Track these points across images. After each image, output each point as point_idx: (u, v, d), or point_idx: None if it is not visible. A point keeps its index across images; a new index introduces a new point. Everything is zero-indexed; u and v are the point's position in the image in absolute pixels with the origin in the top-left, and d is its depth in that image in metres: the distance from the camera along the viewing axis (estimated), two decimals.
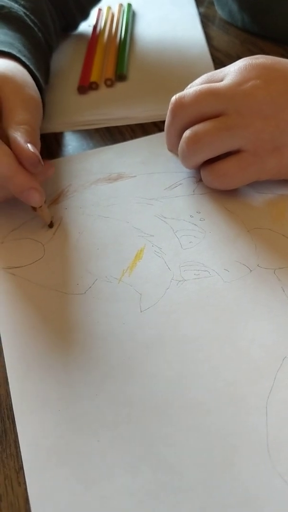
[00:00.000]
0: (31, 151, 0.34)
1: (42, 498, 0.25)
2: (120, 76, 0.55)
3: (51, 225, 0.38)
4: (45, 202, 0.37)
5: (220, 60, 0.58)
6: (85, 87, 0.54)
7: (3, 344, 0.31)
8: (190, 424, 0.27)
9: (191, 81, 0.41)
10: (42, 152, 0.37)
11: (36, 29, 0.47)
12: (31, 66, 0.42)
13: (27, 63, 0.42)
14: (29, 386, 0.29)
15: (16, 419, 0.28)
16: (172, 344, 0.30)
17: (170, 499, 0.24)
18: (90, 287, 0.34)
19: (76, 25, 0.63)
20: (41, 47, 0.48)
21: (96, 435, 0.27)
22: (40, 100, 0.40)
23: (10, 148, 0.35)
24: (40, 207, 0.37)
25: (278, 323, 0.31)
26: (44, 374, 0.29)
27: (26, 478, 0.25)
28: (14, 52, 0.41)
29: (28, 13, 0.48)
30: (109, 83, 0.55)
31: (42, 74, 0.46)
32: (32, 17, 0.48)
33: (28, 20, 0.47)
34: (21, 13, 0.46)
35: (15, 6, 0.47)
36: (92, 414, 0.27)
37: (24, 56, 0.42)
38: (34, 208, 0.37)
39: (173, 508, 0.24)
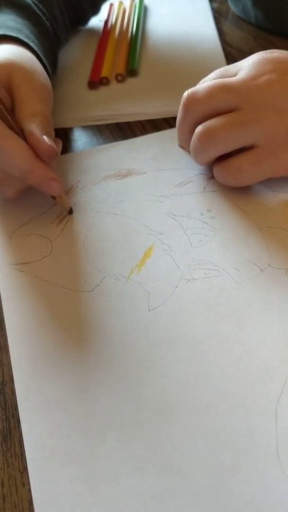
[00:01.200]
0: (47, 144, 0.34)
1: (46, 499, 0.24)
2: (131, 71, 0.55)
3: (70, 212, 0.39)
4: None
5: (232, 56, 0.57)
6: (96, 82, 0.53)
7: (9, 342, 0.31)
8: (197, 426, 0.26)
9: (203, 77, 0.40)
10: None
11: (44, 18, 0.47)
12: (39, 53, 0.42)
13: (36, 49, 0.41)
14: (35, 385, 0.28)
15: (21, 418, 0.27)
16: (180, 344, 0.30)
17: (176, 502, 0.24)
18: (98, 284, 0.33)
19: (86, 20, 0.62)
20: (49, 36, 0.47)
21: (102, 436, 0.26)
22: (51, 87, 0.40)
23: (26, 141, 0.34)
24: (60, 196, 0.37)
25: None
26: (50, 372, 0.29)
27: (30, 478, 0.25)
28: (22, 37, 0.41)
29: (36, 2, 0.47)
30: (120, 79, 0.54)
31: (50, 62, 0.46)
32: (40, 6, 0.47)
33: (36, 8, 0.46)
34: (29, 1, 0.46)
35: None
36: (98, 415, 0.27)
37: (33, 42, 0.42)
38: (53, 197, 0.37)
39: (179, 511, 0.23)
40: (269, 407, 0.26)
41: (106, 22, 0.64)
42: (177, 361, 0.29)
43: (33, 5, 0.46)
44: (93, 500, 0.24)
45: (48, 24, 0.47)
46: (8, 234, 0.37)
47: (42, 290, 0.33)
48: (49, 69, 0.43)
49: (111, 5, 0.67)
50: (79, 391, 0.28)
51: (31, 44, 0.41)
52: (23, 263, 0.35)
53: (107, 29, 0.63)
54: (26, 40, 0.41)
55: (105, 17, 0.65)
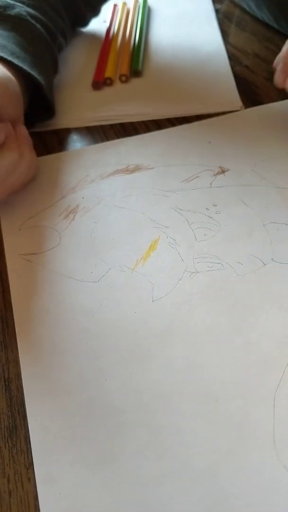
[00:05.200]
0: None
1: (48, 479, 0.25)
2: (135, 72, 0.55)
3: None
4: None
5: (236, 57, 0.57)
6: (100, 83, 0.54)
7: (16, 330, 0.32)
8: (197, 413, 0.27)
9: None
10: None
11: (38, 24, 0.47)
12: (23, 66, 0.42)
13: (18, 64, 0.42)
14: (40, 370, 0.29)
15: (26, 402, 0.28)
16: (182, 334, 0.30)
17: (174, 486, 0.24)
18: (103, 275, 0.34)
19: (85, 21, 0.62)
20: (43, 40, 0.48)
21: (103, 420, 0.27)
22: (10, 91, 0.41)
23: None
24: None
25: None
26: (55, 358, 0.30)
27: (34, 458, 0.26)
28: (5, 55, 0.41)
29: (28, 8, 0.48)
30: (124, 79, 0.55)
31: (44, 67, 0.46)
32: (32, 12, 0.48)
33: (27, 15, 0.46)
34: (19, 9, 0.46)
35: (12, 2, 0.47)
36: (100, 400, 0.28)
37: (17, 57, 0.42)
38: None
39: (176, 495, 0.24)
40: (267, 396, 0.27)
41: (110, 23, 0.64)
42: (179, 350, 0.30)
43: (23, 13, 0.46)
44: (93, 482, 0.25)
45: (41, 29, 0.48)
46: (18, 225, 0.38)
47: (49, 280, 0.34)
48: (38, 76, 0.44)
49: (115, 6, 0.67)
50: (82, 376, 0.29)
51: (15, 61, 0.42)
52: (31, 254, 0.36)
53: (111, 30, 0.63)
54: (9, 57, 0.41)
55: (109, 18, 0.65)
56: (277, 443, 0.25)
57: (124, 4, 0.68)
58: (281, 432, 0.26)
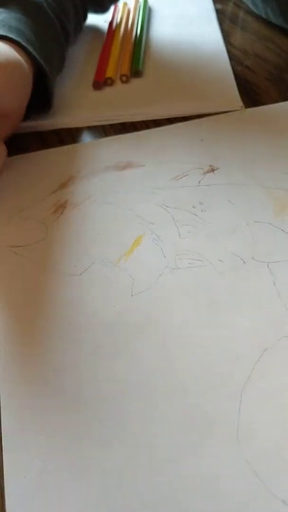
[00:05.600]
0: None
1: (16, 463, 0.26)
2: (136, 72, 0.56)
3: None
4: None
5: (236, 56, 0.57)
6: (100, 82, 0.54)
7: None
8: (166, 406, 0.27)
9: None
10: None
11: (53, 15, 0.48)
12: (35, 54, 0.43)
13: (32, 51, 0.43)
14: (18, 360, 0.30)
15: (1, 402, 0.29)
16: (158, 329, 0.31)
17: (137, 475, 0.25)
18: (86, 269, 0.35)
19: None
20: (55, 34, 0.48)
21: (75, 409, 0.28)
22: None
23: None
24: None
25: (264, 316, 0.31)
26: (33, 350, 0.31)
27: (3, 443, 0.27)
28: (21, 41, 0.42)
29: None
30: (125, 79, 0.55)
31: (51, 60, 0.47)
32: (51, 2, 0.48)
33: (45, 5, 0.47)
34: None
35: None
36: (72, 390, 0.28)
37: (32, 45, 0.43)
38: None
39: (139, 483, 0.25)
40: (235, 392, 0.27)
41: (111, 23, 0.65)
42: (154, 344, 0.30)
43: (43, 2, 0.47)
44: (59, 468, 0.26)
45: (56, 22, 0.49)
46: (8, 218, 0.39)
47: (33, 273, 0.35)
48: (47, 67, 0.45)
49: (116, 6, 0.68)
50: (56, 366, 0.30)
51: (29, 48, 0.42)
52: (18, 246, 0.37)
53: (112, 30, 0.63)
54: (25, 44, 0.42)
55: (110, 18, 0.66)
56: (240, 438, 0.26)
57: (125, 4, 0.69)
58: (245, 427, 0.26)
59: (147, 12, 0.67)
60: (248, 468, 0.25)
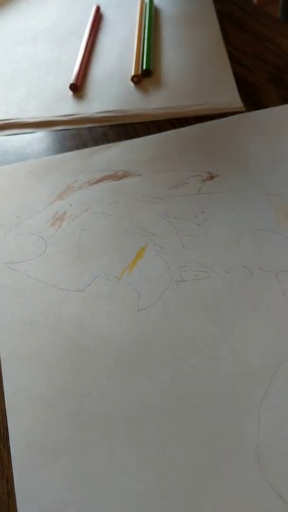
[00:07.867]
0: None
1: (28, 495, 0.25)
2: (146, 72, 0.55)
3: None
4: None
5: (236, 57, 0.57)
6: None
7: None
8: (181, 426, 0.26)
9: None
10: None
11: None
12: None
13: None
14: (23, 382, 0.29)
15: (7, 415, 0.28)
16: (167, 344, 0.30)
17: (155, 502, 0.24)
18: (89, 284, 0.34)
19: None
20: None
21: (86, 434, 0.26)
22: None
23: None
24: None
25: (276, 328, 0.30)
26: (38, 370, 0.29)
27: (14, 474, 0.25)
28: None
29: None
30: (136, 80, 0.55)
31: None
32: None
33: None
34: None
35: None
36: (83, 413, 0.27)
37: None
38: None
39: (157, 509, 0.24)
40: (252, 409, 0.27)
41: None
42: (163, 361, 0.29)
43: None
44: (73, 498, 0.24)
45: None
46: (3, 233, 0.38)
47: (34, 289, 0.34)
48: None
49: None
50: (65, 388, 0.28)
51: None
52: (17, 262, 0.36)
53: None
54: None
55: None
56: (261, 458, 0.25)
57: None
58: (265, 447, 0.25)
59: (153, 12, 0.67)
60: (270, 489, 0.24)
